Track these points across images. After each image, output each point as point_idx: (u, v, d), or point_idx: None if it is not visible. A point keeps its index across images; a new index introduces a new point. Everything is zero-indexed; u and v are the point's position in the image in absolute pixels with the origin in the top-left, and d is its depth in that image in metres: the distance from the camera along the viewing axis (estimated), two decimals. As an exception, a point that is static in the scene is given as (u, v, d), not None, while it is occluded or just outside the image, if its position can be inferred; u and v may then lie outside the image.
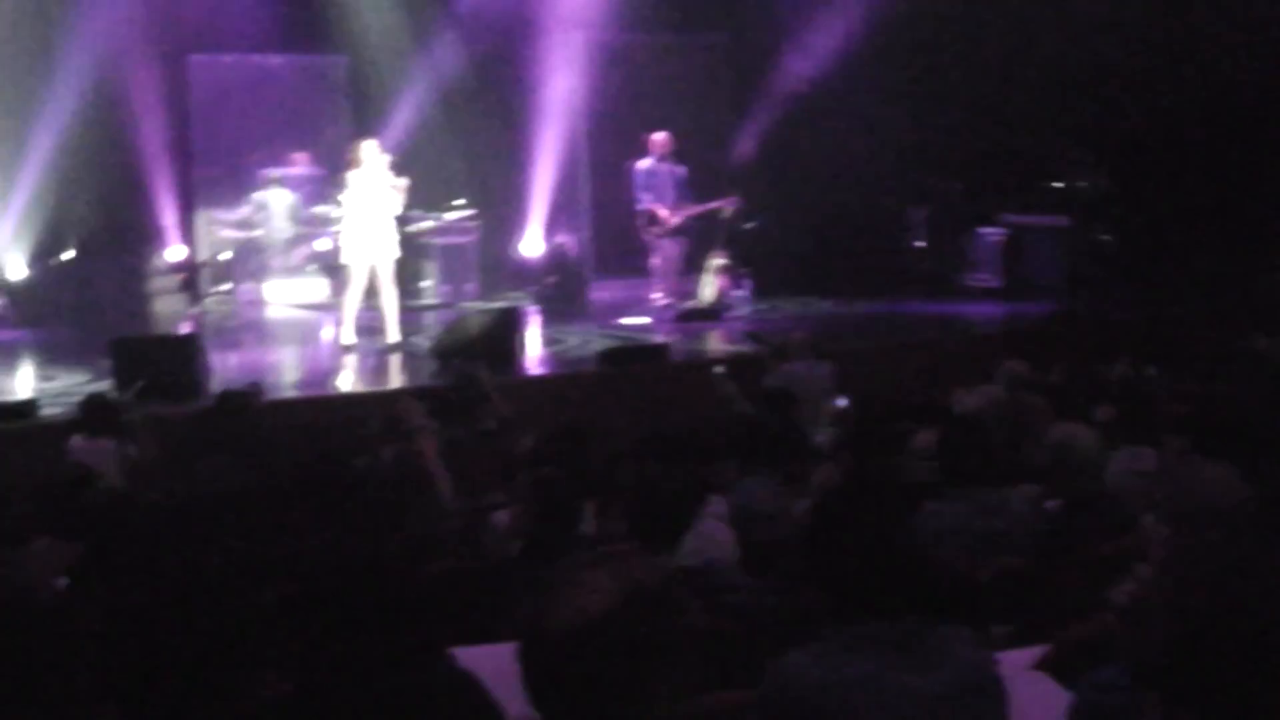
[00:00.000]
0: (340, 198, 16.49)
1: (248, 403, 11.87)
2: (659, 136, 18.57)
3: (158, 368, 13.59)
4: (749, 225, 19.98)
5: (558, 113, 21.41)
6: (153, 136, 20.70)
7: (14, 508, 9.44)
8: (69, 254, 20.21)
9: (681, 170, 18.61)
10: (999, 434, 7.75)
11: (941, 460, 6.90)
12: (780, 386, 12.01)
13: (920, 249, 21.61)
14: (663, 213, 18.27)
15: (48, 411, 12.90)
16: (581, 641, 2.75)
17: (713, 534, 7.14)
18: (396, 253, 16.26)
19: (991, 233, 20.33)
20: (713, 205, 18.83)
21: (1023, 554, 6.59)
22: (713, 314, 18.46)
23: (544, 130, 21.42)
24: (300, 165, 22.34)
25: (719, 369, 13.34)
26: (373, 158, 15.94)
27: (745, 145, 22.62)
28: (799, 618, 5.05)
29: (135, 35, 20.64)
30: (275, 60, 22.84)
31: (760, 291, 19.11)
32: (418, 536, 7.42)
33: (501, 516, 7.86)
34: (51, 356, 16.84)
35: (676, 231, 18.44)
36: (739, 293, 18.73)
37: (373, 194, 15.89)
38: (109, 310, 19.59)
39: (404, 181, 16.13)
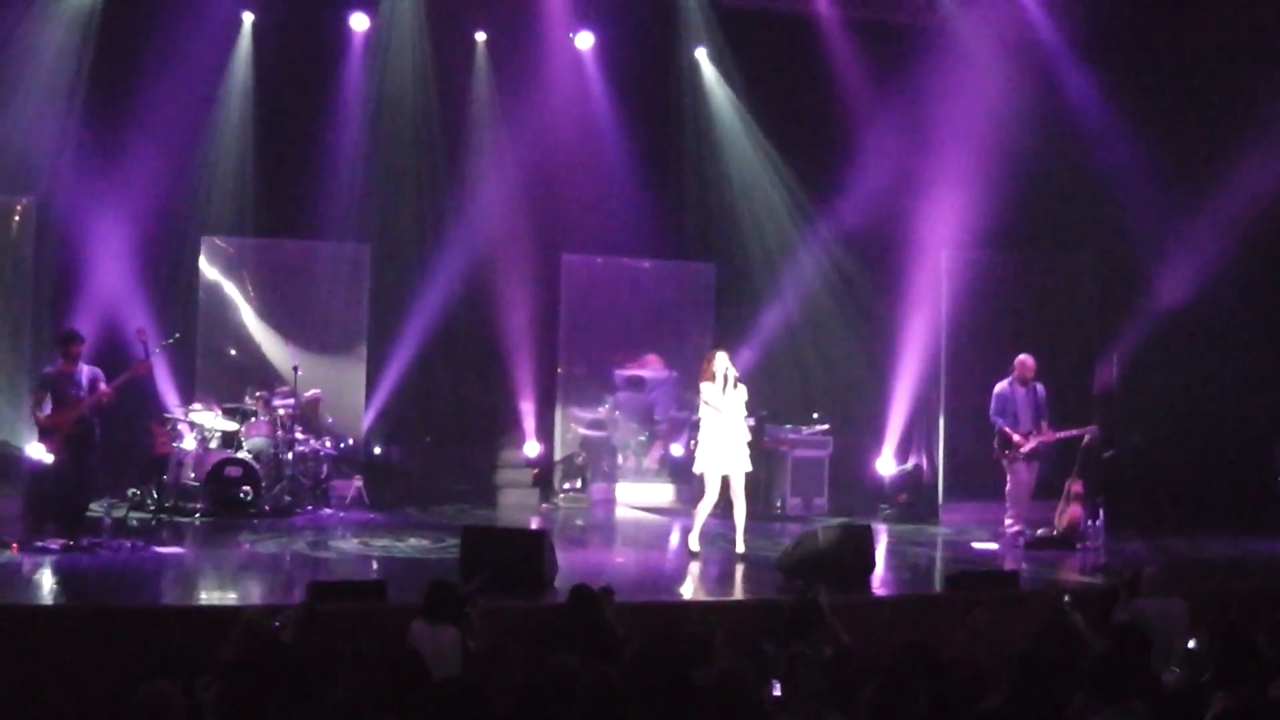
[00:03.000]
0: (699, 406, 16.63)
1: (601, 603, 11.91)
2: (1023, 359, 18.34)
3: (505, 560, 13.72)
4: (1107, 454, 19.60)
5: (919, 329, 21.36)
6: (520, 330, 21.20)
7: (356, 690, 9.61)
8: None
9: (1042, 392, 18.34)
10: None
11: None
12: (1131, 622, 11.69)
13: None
14: (1017, 437, 18.03)
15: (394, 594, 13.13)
16: None
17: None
18: (748, 466, 16.32)
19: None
20: (1070, 434, 18.49)
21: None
22: (1066, 543, 18.11)
23: (904, 346, 21.40)
24: (651, 367, 22.63)
25: (1067, 599, 13.03)
26: (724, 369, 16.06)
27: (1107, 371, 22.26)
28: None
29: (514, 230, 21.24)
30: (645, 264, 23.26)
31: (1116, 521, 18.59)
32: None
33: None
34: (401, 538, 17.21)
35: (1031, 456, 18.17)
36: (1094, 522, 18.28)
37: (728, 405, 16.02)
38: (459, 498, 20.03)
39: (742, 392, 16.19)
